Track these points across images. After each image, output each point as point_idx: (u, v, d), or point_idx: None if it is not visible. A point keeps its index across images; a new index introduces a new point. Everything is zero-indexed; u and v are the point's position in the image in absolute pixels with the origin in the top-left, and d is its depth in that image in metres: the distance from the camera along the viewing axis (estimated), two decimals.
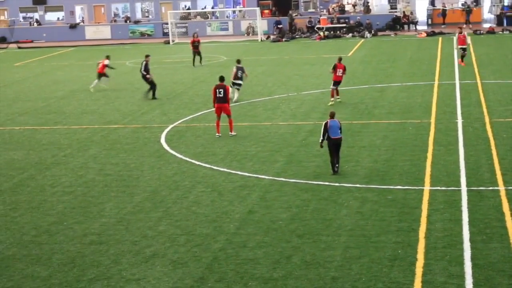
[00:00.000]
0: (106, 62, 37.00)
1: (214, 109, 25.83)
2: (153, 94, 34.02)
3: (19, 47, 64.00)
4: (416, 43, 52.29)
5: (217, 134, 25.61)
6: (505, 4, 63.08)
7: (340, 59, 31.15)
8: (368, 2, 65.20)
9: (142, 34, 66.81)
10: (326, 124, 20.24)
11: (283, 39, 59.22)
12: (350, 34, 60.13)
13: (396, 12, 63.87)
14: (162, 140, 25.68)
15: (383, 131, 25.39)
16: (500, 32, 56.93)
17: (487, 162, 20.97)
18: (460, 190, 18.61)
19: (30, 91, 38.48)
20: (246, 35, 64.33)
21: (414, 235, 15.73)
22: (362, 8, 65.23)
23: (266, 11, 67.42)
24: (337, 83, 30.64)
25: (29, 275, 14.70)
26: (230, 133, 25.65)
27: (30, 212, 18.61)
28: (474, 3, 64.98)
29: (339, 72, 30.46)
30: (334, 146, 20.29)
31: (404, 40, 54.95)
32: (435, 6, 65.12)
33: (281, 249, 15.35)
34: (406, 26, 62.46)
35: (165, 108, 31.64)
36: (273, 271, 14.29)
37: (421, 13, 66.64)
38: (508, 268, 13.91)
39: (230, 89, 27.55)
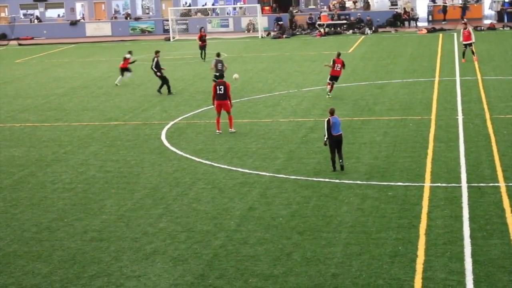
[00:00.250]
0: (128, 56, 37.09)
1: (214, 106, 25.82)
2: (168, 89, 34.10)
3: (20, 44, 63.98)
4: (417, 40, 52.25)
5: (217, 131, 25.61)
6: (506, 0, 62.99)
7: (339, 54, 31.45)
8: None
9: (143, 31, 66.76)
10: (328, 121, 20.17)
11: (284, 36, 59.17)
12: (351, 31, 60.09)
13: (396, 8, 63.83)
14: (163, 137, 25.68)
15: (384, 127, 25.39)
16: (501, 29, 56.88)
17: (487, 159, 20.97)
18: (460, 186, 18.62)
19: (31, 88, 38.48)
20: (246, 32, 64.26)
21: (415, 231, 15.73)
22: (362, 5, 65.17)
23: (267, 7, 67.41)
24: (334, 77, 30.83)
25: (30, 272, 14.71)
26: (230, 129, 25.65)
27: (31, 209, 18.63)
28: (475, 0, 64.92)
29: (337, 67, 30.74)
30: (336, 143, 20.26)
31: (404, 37, 54.90)
32: (436, 3, 65.07)
33: (282, 246, 15.36)
34: (406, 23, 62.42)
35: (166, 105, 31.63)
36: (274, 268, 14.30)
37: (421, 9, 66.58)
38: (508, 264, 13.92)
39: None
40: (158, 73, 34.04)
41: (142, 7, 70.89)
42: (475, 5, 64.16)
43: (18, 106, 33.39)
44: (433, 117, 26.57)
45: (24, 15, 72.39)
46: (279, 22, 62.39)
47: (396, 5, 64.30)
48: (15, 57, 54.11)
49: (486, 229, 15.65)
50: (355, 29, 60.18)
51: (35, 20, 70.99)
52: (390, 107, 28.85)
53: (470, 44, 39.20)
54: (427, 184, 18.92)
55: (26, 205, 18.96)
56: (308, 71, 39.44)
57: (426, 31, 57.04)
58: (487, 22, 61.26)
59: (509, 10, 61.77)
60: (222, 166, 21.65)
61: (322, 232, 16.02)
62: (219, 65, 32.64)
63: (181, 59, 47.53)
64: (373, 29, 59.06)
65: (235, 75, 31.02)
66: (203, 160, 22.37)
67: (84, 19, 70.26)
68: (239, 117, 27.50)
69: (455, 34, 53.23)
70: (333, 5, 64.78)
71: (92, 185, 20.47)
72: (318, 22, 61.38)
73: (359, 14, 62.31)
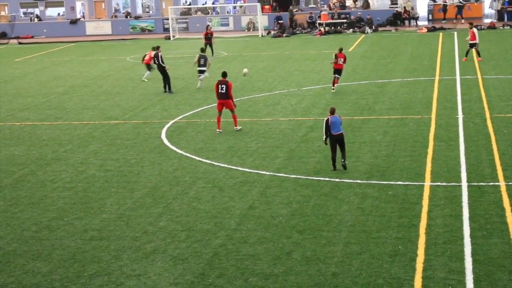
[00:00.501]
0: (153, 54, 36.82)
1: (216, 104, 25.78)
2: (169, 87, 34.18)
3: (20, 43, 63.96)
4: (417, 39, 52.23)
5: (217, 130, 25.60)
6: None
7: (341, 49, 32.45)
8: None
9: (143, 30, 66.73)
10: (327, 120, 20.18)
11: (284, 35, 59.15)
12: (351, 30, 60.06)
13: (396, 7, 63.78)
14: (163, 136, 25.68)
15: (384, 126, 25.38)
16: (501, 28, 56.85)
17: (487, 158, 20.96)
18: (460, 185, 18.61)
19: (31, 87, 38.47)
20: (246, 30, 64.24)
21: (415, 230, 15.73)
22: (362, 4, 65.13)
23: (267, 6, 67.38)
24: (337, 71, 31.69)
25: (30, 271, 14.71)
26: (235, 127, 25.63)
27: (31, 208, 18.63)
28: None
29: (340, 60, 31.78)
30: (336, 142, 20.26)
31: (404, 36, 54.88)
32: (436, 2, 65.03)
33: (282, 245, 15.36)
34: (406, 22, 62.38)
35: (166, 104, 31.63)
36: (274, 267, 14.30)
37: (422, 8, 66.55)
38: (508, 263, 13.92)
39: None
40: (167, 67, 34.33)
41: (142, 5, 70.88)
42: (475, 4, 64.12)
43: (18, 104, 33.38)
44: (433, 116, 26.57)
45: (24, 13, 72.38)
46: (279, 21, 62.37)
47: (396, 4, 64.24)
48: (15, 55, 54.10)
49: (486, 228, 15.65)
50: (355, 28, 60.15)
51: (35, 19, 70.98)
52: (390, 106, 28.85)
53: (475, 44, 39.19)
54: (427, 183, 18.92)
55: (26, 204, 18.96)
56: (308, 70, 39.43)
57: (426, 30, 57.03)
58: (487, 21, 61.22)
59: (509, 9, 61.73)
60: (222, 165, 21.65)
61: (322, 231, 16.02)
62: (202, 60, 33.70)
63: (181, 58, 47.50)
64: (373, 28, 59.03)
65: (245, 70, 31.09)
66: (203, 159, 22.37)
67: (84, 18, 70.26)
68: (239, 116, 27.47)
69: (455, 33, 53.25)
70: (333, 4, 64.73)
71: (92, 184, 20.47)
72: (318, 21, 61.35)
73: (359, 13, 62.26)
